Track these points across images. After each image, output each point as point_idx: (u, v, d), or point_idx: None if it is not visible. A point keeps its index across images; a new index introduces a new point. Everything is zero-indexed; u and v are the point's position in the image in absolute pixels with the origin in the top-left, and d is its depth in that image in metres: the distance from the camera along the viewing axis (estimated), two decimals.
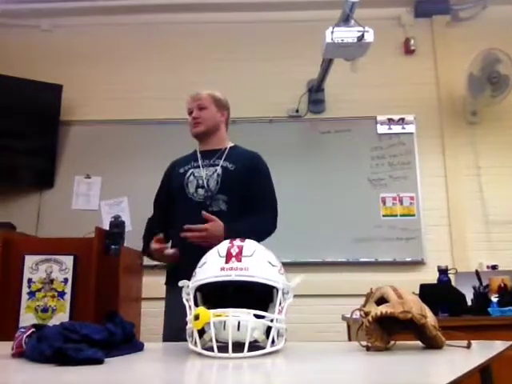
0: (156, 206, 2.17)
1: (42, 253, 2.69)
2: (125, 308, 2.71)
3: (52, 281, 2.64)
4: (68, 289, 2.62)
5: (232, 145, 2.11)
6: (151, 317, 3.32)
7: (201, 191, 1.97)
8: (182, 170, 2.06)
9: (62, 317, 2.55)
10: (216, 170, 1.99)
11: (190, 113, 2.09)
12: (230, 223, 1.84)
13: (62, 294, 2.62)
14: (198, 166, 2.03)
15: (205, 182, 1.97)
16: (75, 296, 2.61)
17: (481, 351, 1.16)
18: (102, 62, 4.21)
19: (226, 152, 2.06)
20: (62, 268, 2.66)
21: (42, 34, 4.30)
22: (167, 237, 1.95)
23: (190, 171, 2.03)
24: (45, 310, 2.59)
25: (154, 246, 1.88)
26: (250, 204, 1.98)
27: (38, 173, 3.96)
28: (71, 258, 2.69)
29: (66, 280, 2.64)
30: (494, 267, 3.28)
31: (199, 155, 2.07)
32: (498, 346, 1.18)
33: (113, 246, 2.81)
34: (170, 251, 1.87)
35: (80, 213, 3.87)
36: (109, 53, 4.25)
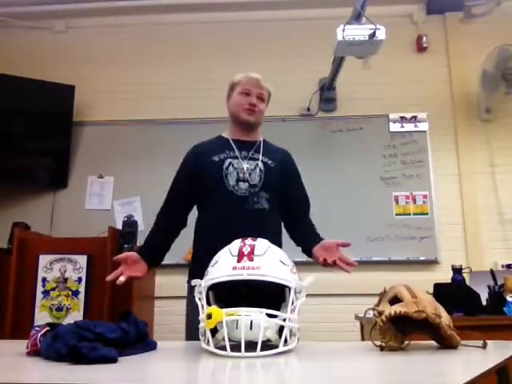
0: (173, 196, 1.94)
1: (56, 252, 2.73)
2: (138, 307, 2.73)
3: (66, 280, 2.67)
4: (82, 288, 2.65)
5: (262, 139, 2.01)
6: (164, 315, 3.34)
7: (243, 185, 1.83)
8: (216, 159, 1.88)
9: (76, 315, 2.58)
10: (257, 165, 1.88)
11: (246, 93, 1.92)
12: (314, 233, 1.88)
13: (76, 293, 2.65)
14: (236, 157, 1.88)
15: (247, 176, 1.85)
16: (89, 295, 2.63)
17: (497, 351, 1.15)
18: (114, 62, 4.24)
19: (262, 146, 1.95)
20: (76, 267, 2.68)
21: (55, 36, 4.33)
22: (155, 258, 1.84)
23: (228, 161, 1.87)
24: (59, 309, 2.62)
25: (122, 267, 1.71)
26: (288, 203, 1.94)
27: (52, 173, 4.00)
28: (85, 257, 2.72)
29: (79, 279, 2.67)
30: (509, 266, 3.24)
31: (233, 144, 1.92)
32: None
33: (126, 246, 2.83)
34: (121, 280, 1.66)
35: (93, 213, 3.90)
36: (120, 53, 4.27)
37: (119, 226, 3.11)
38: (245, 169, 1.86)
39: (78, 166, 4.04)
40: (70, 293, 2.65)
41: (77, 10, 4.26)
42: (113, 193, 3.96)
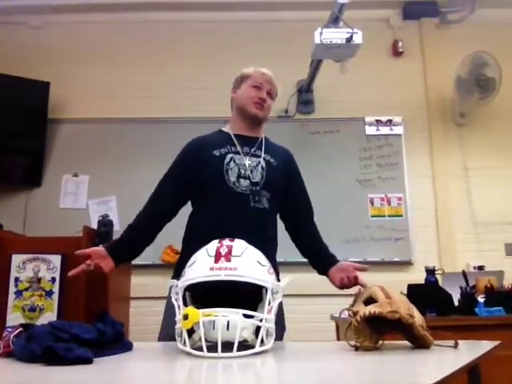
0: (164, 187, 1.83)
1: (30, 252, 2.68)
2: (114, 307, 2.71)
3: (39, 280, 2.63)
4: (56, 288, 2.61)
5: (264, 136, 1.95)
6: (140, 316, 3.31)
7: (244, 182, 1.75)
8: (217, 153, 1.79)
9: (49, 316, 2.54)
10: (260, 162, 1.81)
11: (257, 87, 1.87)
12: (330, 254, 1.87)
13: (49, 294, 2.61)
14: (238, 153, 1.81)
15: (248, 173, 1.77)
16: (63, 295, 2.60)
17: (468, 351, 1.17)
18: (91, 59, 4.18)
19: (264, 143, 1.89)
20: (50, 267, 2.64)
21: (30, 31, 4.25)
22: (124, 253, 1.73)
23: (230, 156, 1.79)
24: (32, 310, 2.58)
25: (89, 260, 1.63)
26: (291, 207, 1.90)
27: (26, 171, 3.92)
28: (59, 257, 2.68)
29: (53, 279, 2.63)
30: (480, 268, 3.31)
31: (235, 139, 1.85)
32: (485, 345, 1.20)
33: (101, 245, 2.80)
34: (88, 263, 1.61)
35: (68, 212, 3.84)
36: (98, 50, 4.22)
37: (94, 226, 3.07)
38: (246, 165, 1.79)
39: (52, 164, 3.97)
40: (44, 293, 2.61)
41: (54, 6, 4.19)
42: (88, 192, 3.91)
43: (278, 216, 1.90)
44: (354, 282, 1.69)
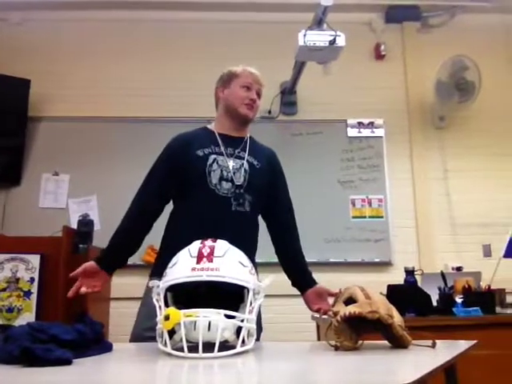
0: (149, 187, 1.79)
1: (8, 251, 2.64)
2: (93, 308, 2.68)
3: (18, 280, 2.59)
4: (34, 288, 2.58)
5: (249, 135, 1.92)
6: (120, 317, 3.29)
7: (226, 185, 1.73)
8: (200, 153, 1.76)
9: (27, 317, 2.50)
10: (243, 165, 1.78)
11: (247, 87, 1.85)
12: (307, 275, 1.84)
13: (28, 294, 2.57)
14: (221, 154, 1.78)
15: (231, 175, 1.75)
16: (42, 296, 2.56)
17: (445, 350, 1.19)
18: (72, 57, 4.13)
19: (249, 144, 1.86)
20: (29, 267, 2.61)
21: (10, 28, 4.18)
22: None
23: (213, 157, 1.76)
24: (10, 310, 2.54)
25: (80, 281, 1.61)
26: (272, 207, 1.88)
27: (5, 169, 3.85)
28: (38, 257, 2.64)
29: (32, 279, 2.59)
30: (458, 269, 3.36)
31: (219, 139, 1.82)
32: (462, 345, 1.22)
33: (81, 245, 2.77)
34: (83, 291, 1.59)
35: (47, 211, 3.79)
36: (79, 48, 4.17)
37: (74, 226, 3.04)
38: (230, 167, 1.76)
39: (32, 163, 3.91)
40: (22, 293, 2.57)
41: (34, 2, 4.13)
42: (68, 191, 3.86)
43: (259, 219, 1.88)
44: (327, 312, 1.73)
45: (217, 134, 1.83)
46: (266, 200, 1.86)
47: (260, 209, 1.85)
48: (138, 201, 1.78)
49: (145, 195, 1.79)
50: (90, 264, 1.65)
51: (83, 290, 1.59)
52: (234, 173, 1.75)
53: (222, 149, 1.79)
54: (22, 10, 4.18)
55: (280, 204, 1.92)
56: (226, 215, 1.71)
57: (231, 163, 1.77)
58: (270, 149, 1.98)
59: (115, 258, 1.72)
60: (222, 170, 1.75)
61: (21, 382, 0.85)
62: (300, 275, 1.86)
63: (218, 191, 1.73)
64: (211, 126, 1.90)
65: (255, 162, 1.83)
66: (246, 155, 1.82)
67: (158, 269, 1.64)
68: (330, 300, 1.70)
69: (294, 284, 1.88)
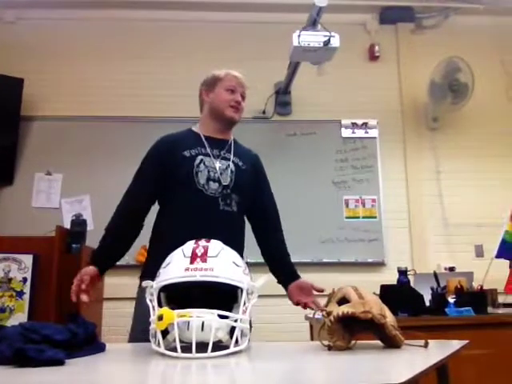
0: (137, 188, 1.82)
1: (0, 251, 2.62)
2: (86, 308, 2.66)
3: (10, 280, 2.57)
4: (27, 288, 2.56)
5: (233, 138, 1.96)
6: (113, 317, 3.28)
7: (213, 185, 1.77)
8: (187, 154, 1.80)
9: (20, 317, 2.49)
10: (229, 166, 1.82)
11: (231, 90, 1.88)
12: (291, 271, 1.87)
13: (20, 294, 2.56)
14: (208, 155, 1.81)
15: (218, 176, 1.79)
16: (34, 296, 2.55)
17: (438, 350, 1.20)
18: (66, 56, 4.11)
19: (233, 146, 1.90)
20: (21, 267, 2.59)
21: (4, 26, 4.16)
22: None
23: (200, 158, 1.79)
24: (2, 310, 2.52)
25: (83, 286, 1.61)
26: (257, 208, 1.92)
27: None
28: (30, 256, 2.63)
29: (24, 279, 2.58)
30: (451, 269, 3.38)
31: (205, 141, 1.85)
32: (454, 345, 1.22)
33: (74, 245, 2.76)
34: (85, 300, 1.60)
35: (40, 211, 3.78)
36: (73, 47, 4.15)
37: (67, 225, 3.03)
38: (217, 168, 1.80)
39: (24, 162, 3.89)
40: (15, 293, 2.55)
41: (28, 1, 4.11)
42: (61, 191, 3.85)
43: (245, 219, 1.92)
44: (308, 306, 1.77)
45: (202, 136, 1.87)
46: (251, 201, 1.89)
47: (245, 209, 1.88)
48: (126, 202, 1.80)
49: (132, 197, 1.81)
50: (93, 270, 1.67)
51: (85, 298, 1.60)
52: (220, 173, 1.79)
53: (209, 150, 1.83)
54: (15, 8, 4.16)
55: (264, 206, 1.96)
56: (214, 215, 1.74)
57: (218, 164, 1.81)
58: (254, 152, 2.02)
59: (108, 259, 1.74)
60: (209, 171, 1.78)
61: (13, 383, 0.85)
62: (284, 272, 1.89)
63: (206, 191, 1.76)
64: (196, 128, 1.94)
65: (240, 163, 1.87)
66: (232, 156, 1.86)
67: (148, 269, 1.69)
68: (324, 299, 1.71)
69: (279, 281, 1.91)
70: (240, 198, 1.81)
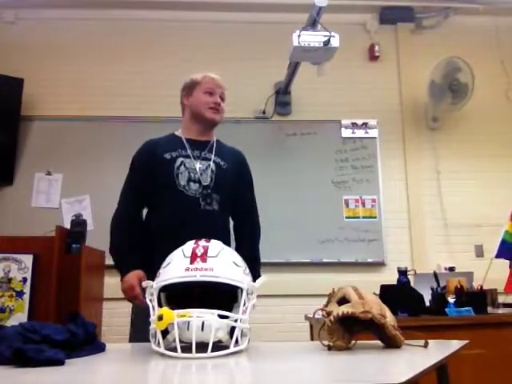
0: (126, 191, 1.92)
1: (0, 251, 2.62)
2: (86, 308, 2.67)
3: (10, 280, 2.57)
4: (27, 288, 2.56)
5: (216, 138, 2.01)
6: (113, 317, 3.28)
7: (193, 185, 1.82)
8: (167, 156, 1.86)
9: (20, 317, 2.48)
10: (209, 166, 1.87)
11: (210, 92, 1.93)
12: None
13: (20, 294, 2.55)
14: (188, 156, 1.87)
15: (198, 176, 1.84)
16: (34, 296, 2.54)
17: (437, 350, 1.19)
18: (66, 56, 4.11)
19: (215, 146, 1.95)
20: (21, 267, 2.59)
21: (3, 26, 4.16)
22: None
23: (180, 160, 1.86)
24: (2, 310, 2.52)
25: (137, 290, 1.66)
26: (239, 206, 1.96)
27: None
28: (30, 256, 2.62)
29: (24, 279, 2.58)
30: (451, 269, 3.37)
31: (186, 143, 1.91)
32: (454, 345, 1.22)
33: (74, 245, 2.75)
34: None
35: (40, 211, 3.77)
36: (73, 47, 4.15)
37: (67, 225, 3.02)
38: (197, 169, 1.85)
39: (24, 162, 3.89)
40: (14, 294, 2.55)
41: (28, 1, 4.10)
42: (61, 191, 3.85)
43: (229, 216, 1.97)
44: None
45: (183, 139, 1.93)
46: (232, 198, 1.93)
47: (229, 208, 1.93)
48: (120, 216, 1.88)
49: (123, 206, 1.89)
50: (143, 274, 1.71)
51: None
52: (200, 174, 1.85)
53: (189, 152, 1.89)
54: (15, 8, 4.15)
55: (240, 205, 1.98)
56: (195, 214, 1.79)
57: (198, 165, 1.86)
58: (239, 150, 2.06)
59: (135, 255, 1.80)
60: (189, 172, 1.84)
61: (13, 383, 0.85)
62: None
63: (187, 192, 1.82)
64: (178, 133, 1.99)
65: (222, 163, 1.92)
66: (213, 156, 1.91)
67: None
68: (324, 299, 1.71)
69: None
70: (221, 196, 1.86)
